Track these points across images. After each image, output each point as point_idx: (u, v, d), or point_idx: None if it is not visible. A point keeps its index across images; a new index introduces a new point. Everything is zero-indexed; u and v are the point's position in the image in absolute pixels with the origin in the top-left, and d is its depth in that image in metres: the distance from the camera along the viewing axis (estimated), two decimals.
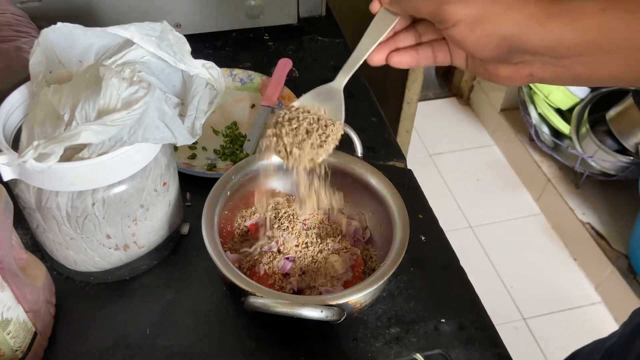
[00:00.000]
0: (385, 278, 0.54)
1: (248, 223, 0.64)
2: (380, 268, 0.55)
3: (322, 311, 0.51)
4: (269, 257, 0.59)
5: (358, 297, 0.53)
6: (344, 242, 0.62)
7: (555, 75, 0.44)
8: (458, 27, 0.44)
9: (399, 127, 1.49)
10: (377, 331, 0.61)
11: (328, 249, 0.61)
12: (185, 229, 0.68)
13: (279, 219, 0.63)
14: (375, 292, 0.55)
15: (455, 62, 0.50)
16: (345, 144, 0.63)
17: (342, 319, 0.53)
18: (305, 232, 0.61)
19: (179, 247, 0.67)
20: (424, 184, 0.76)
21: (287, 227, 0.62)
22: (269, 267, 0.58)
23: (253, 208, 0.66)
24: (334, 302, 0.52)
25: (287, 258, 0.59)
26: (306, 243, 0.60)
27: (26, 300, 0.52)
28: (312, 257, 0.60)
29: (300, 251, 0.60)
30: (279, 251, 0.60)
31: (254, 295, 0.52)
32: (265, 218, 0.64)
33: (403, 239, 0.58)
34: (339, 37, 1.00)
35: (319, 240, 0.61)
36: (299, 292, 0.59)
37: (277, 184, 0.67)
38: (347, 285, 0.59)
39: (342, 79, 0.53)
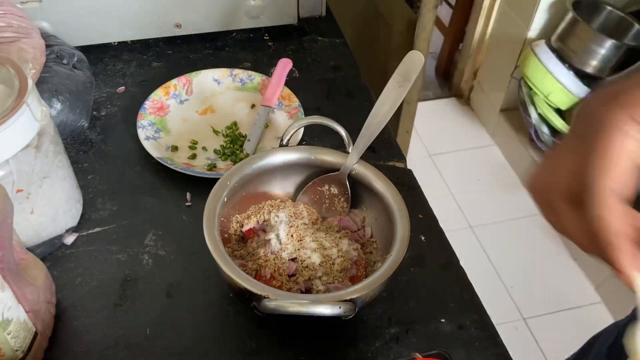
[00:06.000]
0: (396, 266, 0.55)
1: (245, 228, 0.64)
2: (387, 259, 0.56)
3: (340, 307, 0.51)
4: (273, 260, 0.59)
5: (371, 290, 0.54)
6: (344, 239, 0.62)
7: None
8: None
9: (399, 127, 1.49)
10: (377, 331, 0.61)
11: (330, 246, 0.61)
12: (69, 240, 0.67)
13: (278, 222, 0.63)
14: (384, 284, 0.56)
15: None
16: (338, 141, 0.64)
17: (355, 313, 0.53)
18: (305, 231, 0.61)
19: (178, 246, 0.67)
20: (424, 184, 0.76)
21: (287, 229, 0.62)
22: (275, 270, 0.58)
23: (248, 212, 0.66)
24: (349, 297, 0.52)
25: (291, 259, 0.59)
26: (308, 242, 0.60)
27: (27, 300, 0.52)
28: (316, 255, 0.60)
29: (303, 251, 0.60)
30: (282, 253, 0.60)
31: (267, 298, 0.52)
32: (264, 222, 0.64)
33: (405, 229, 0.58)
34: (339, 37, 1.00)
35: (320, 238, 0.61)
36: (307, 291, 0.59)
37: (272, 186, 0.67)
38: (354, 279, 0.60)
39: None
